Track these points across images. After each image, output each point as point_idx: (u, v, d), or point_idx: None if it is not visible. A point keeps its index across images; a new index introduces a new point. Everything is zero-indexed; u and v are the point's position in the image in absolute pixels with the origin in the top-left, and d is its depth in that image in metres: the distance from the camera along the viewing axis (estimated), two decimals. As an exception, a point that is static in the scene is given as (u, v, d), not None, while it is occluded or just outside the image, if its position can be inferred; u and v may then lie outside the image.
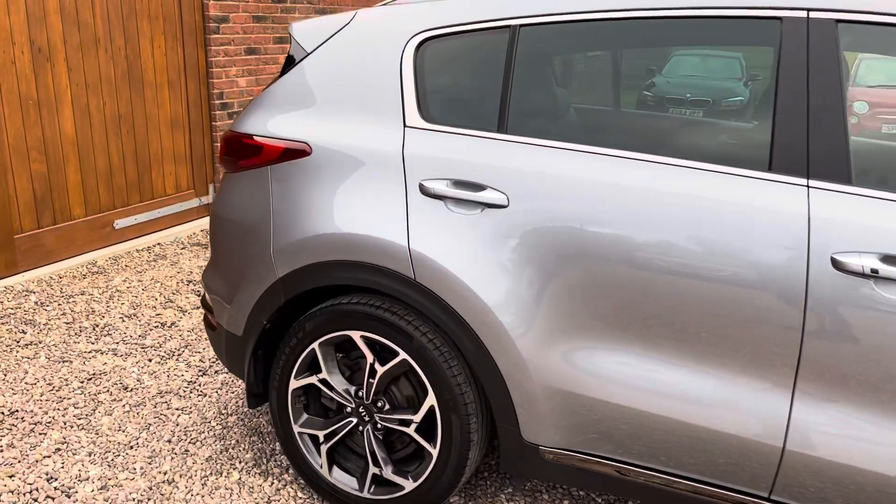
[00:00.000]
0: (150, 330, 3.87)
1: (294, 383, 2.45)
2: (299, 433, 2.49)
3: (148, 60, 5.12)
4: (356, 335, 2.30)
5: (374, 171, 2.25)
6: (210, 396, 3.22)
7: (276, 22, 6.03)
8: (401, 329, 2.22)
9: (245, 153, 2.47)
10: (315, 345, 2.37)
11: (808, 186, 1.81)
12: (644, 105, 2.08)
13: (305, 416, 2.49)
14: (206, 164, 5.72)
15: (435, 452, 2.27)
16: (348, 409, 2.40)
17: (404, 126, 2.25)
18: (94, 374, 3.38)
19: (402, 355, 2.24)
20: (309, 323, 2.35)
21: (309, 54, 2.46)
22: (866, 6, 1.80)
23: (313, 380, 2.42)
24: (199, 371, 3.44)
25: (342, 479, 2.46)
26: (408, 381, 2.35)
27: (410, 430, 2.30)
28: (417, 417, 2.27)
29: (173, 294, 4.37)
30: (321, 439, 2.46)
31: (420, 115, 2.24)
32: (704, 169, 1.91)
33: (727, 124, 1.95)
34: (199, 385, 3.31)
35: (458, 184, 2.13)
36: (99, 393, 3.21)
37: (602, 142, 2.04)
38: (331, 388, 2.41)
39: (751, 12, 1.91)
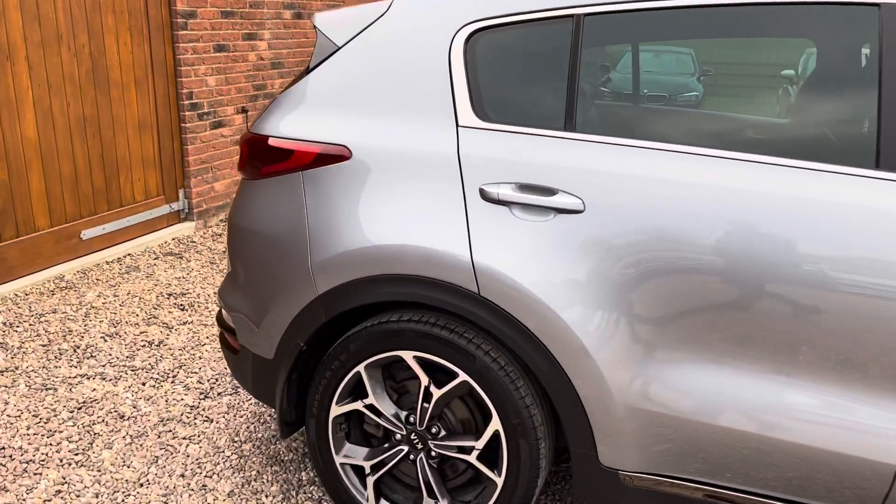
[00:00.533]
0: (137, 350, 3.57)
1: (336, 410, 2.22)
2: (341, 464, 2.27)
3: (113, 58, 4.77)
4: (408, 356, 2.10)
5: (426, 175, 2.05)
6: (217, 422, 2.95)
7: (244, 17, 5.73)
8: (461, 348, 2.02)
9: (271, 158, 2.24)
10: (361, 367, 2.16)
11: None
12: (729, 96, 1.94)
13: (347, 444, 2.28)
14: (176, 169, 5.39)
15: (500, 481, 2.08)
16: (398, 437, 2.19)
17: (457, 126, 2.05)
18: (83, 401, 3.08)
19: (463, 377, 2.04)
20: (353, 344, 2.14)
21: (340, 48, 2.24)
22: None
23: (358, 406, 2.20)
24: (201, 394, 3.17)
25: (392, 514, 2.25)
26: (464, 404, 2.15)
27: (472, 458, 2.10)
28: (480, 444, 2.08)
29: (155, 309, 4.07)
30: (367, 470, 2.24)
31: (475, 114, 2.05)
32: (810, 168, 1.77)
33: (827, 118, 1.81)
34: (204, 409, 3.05)
35: (525, 188, 1.95)
36: (93, 423, 2.92)
37: (687, 140, 1.88)
38: (378, 413, 2.20)
39: (848, -1, 1.77)
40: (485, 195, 1.98)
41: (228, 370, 3.38)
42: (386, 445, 2.22)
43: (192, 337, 3.72)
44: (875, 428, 1.75)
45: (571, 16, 2.01)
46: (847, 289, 1.70)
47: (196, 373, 3.36)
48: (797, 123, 1.90)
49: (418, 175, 2.06)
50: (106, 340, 3.66)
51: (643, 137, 1.91)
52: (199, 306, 4.12)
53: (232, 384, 3.25)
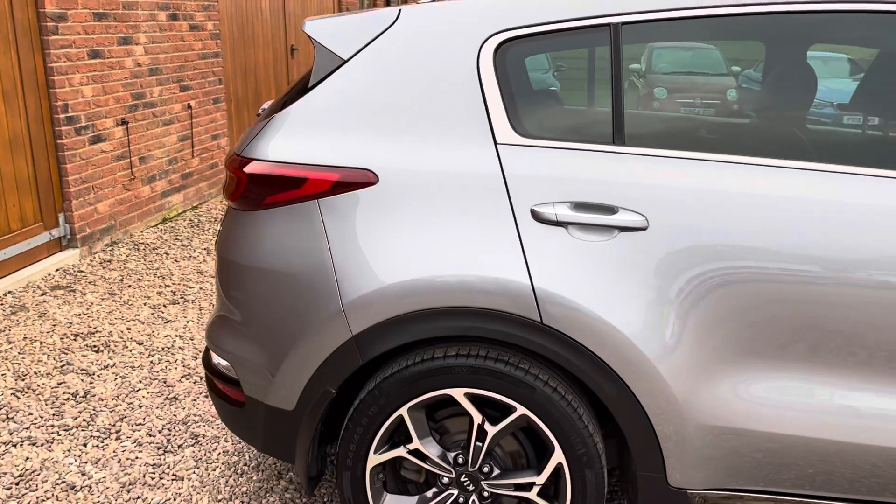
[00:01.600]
0: (62, 405, 3.12)
1: (375, 459, 2.03)
2: (385, 520, 2.08)
3: (-22, 69, 4.16)
4: (459, 394, 1.94)
5: (468, 198, 1.90)
6: (190, 480, 2.63)
7: (118, 20, 5.20)
8: (519, 380, 1.90)
9: (277, 186, 2.00)
10: (403, 410, 1.97)
11: None
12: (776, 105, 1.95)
13: (387, 495, 2.08)
14: (55, 191, 4.80)
15: (563, 515, 1.98)
16: (444, 480, 2.03)
17: (495, 143, 1.92)
18: (20, 475, 2.64)
19: (521, 410, 1.92)
20: (394, 385, 1.95)
21: (347, 62, 2.04)
22: None
23: (401, 452, 2.02)
24: (157, 448, 2.82)
25: (442, 567, 2.08)
26: (513, 439, 2.03)
27: (532, 495, 1.99)
28: (542, 479, 1.97)
29: (64, 354, 3.59)
30: (413, 520, 2.07)
31: (513, 130, 1.93)
32: (865, 174, 1.80)
33: (872, 123, 1.85)
34: (168, 467, 2.71)
35: (582, 206, 1.85)
36: (42, 501, 2.51)
37: (741, 149, 1.86)
38: (423, 458, 2.02)
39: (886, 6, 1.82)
40: (538, 216, 1.86)
41: (180, 418, 3.03)
42: (434, 491, 2.05)
43: (122, 383, 3.31)
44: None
45: (608, 24, 1.93)
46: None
47: (142, 424, 2.98)
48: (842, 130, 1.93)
49: (459, 198, 1.90)
50: (19, 397, 3.18)
51: (695, 148, 1.87)
52: (116, 346, 3.68)
53: (189, 433, 2.92)
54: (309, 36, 2.12)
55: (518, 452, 2.04)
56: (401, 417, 1.99)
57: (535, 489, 1.98)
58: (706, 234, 1.81)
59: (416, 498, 2.08)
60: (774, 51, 2.04)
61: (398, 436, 2.05)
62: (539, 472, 1.97)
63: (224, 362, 2.20)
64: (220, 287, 2.18)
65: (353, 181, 1.96)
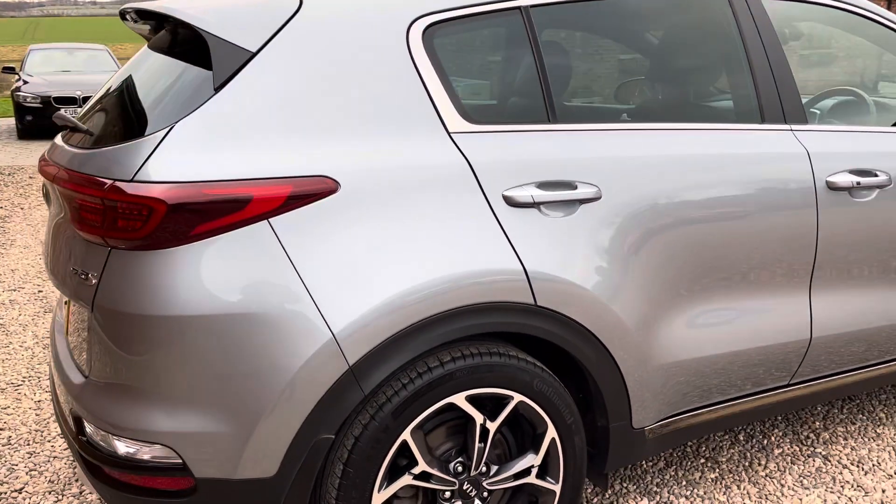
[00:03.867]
0: None
1: (379, 499, 1.80)
2: (390, 559, 1.86)
3: None
4: (460, 398, 1.85)
5: (439, 192, 1.81)
6: None
7: None
8: (515, 368, 1.89)
9: (212, 211, 1.64)
10: (406, 434, 1.80)
11: (795, 131, 2.27)
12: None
13: (390, 533, 1.87)
14: None
15: (558, 488, 2.03)
16: (447, 495, 1.91)
17: (448, 133, 1.85)
18: None
19: (518, 398, 1.91)
20: (393, 411, 1.76)
21: (256, 54, 1.74)
22: None
23: (406, 480, 1.84)
24: None
25: (453, 585, 1.95)
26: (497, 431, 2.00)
27: (532, 478, 1.98)
28: (539, 459, 1.98)
29: None
30: (423, 550, 1.90)
31: (461, 117, 1.87)
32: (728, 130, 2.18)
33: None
34: None
35: (546, 185, 1.90)
36: None
37: (657, 117, 2.10)
38: (428, 478, 1.87)
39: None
40: (511, 201, 1.86)
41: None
42: (439, 511, 1.91)
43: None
44: (791, 316, 2.32)
45: (518, 7, 1.99)
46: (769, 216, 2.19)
47: None
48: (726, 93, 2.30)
49: (430, 194, 1.80)
50: None
51: (622, 119, 2.05)
52: None
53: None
54: (192, 25, 1.74)
55: (501, 442, 2.01)
56: (403, 442, 1.80)
57: (534, 471, 1.98)
58: (646, 195, 2.01)
59: (422, 526, 1.91)
60: (663, 31, 2.31)
61: (400, 464, 1.85)
62: (536, 452, 1.98)
63: (151, 450, 1.71)
64: (129, 353, 1.68)
65: (310, 192, 1.69)
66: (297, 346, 1.66)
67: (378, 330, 1.71)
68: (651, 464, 2.67)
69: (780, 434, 2.85)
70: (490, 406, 1.92)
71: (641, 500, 2.47)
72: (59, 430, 2.95)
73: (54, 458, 2.78)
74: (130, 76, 2.14)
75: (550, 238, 1.89)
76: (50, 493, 2.57)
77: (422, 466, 1.84)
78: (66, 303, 2.18)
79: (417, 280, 1.74)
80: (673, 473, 2.61)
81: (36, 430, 2.96)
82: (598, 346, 1.97)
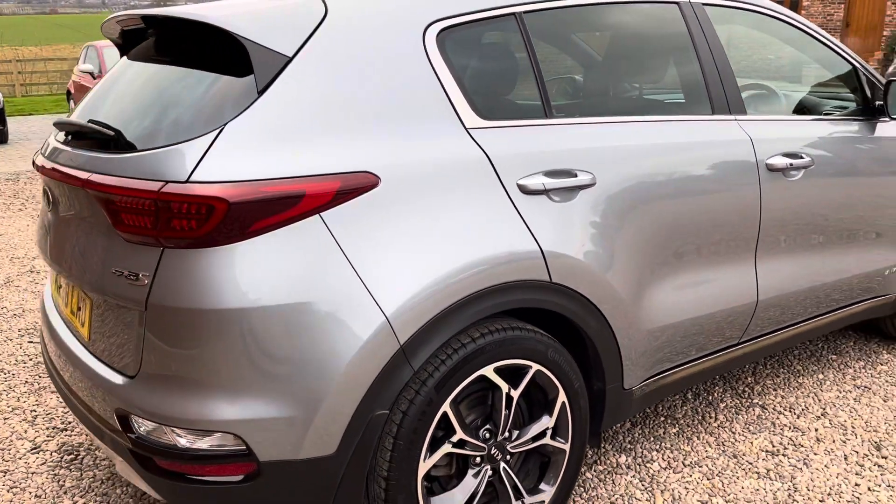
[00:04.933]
0: None
1: (424, 467, 1.96)
2: (435, 523, 2.02)
3: None
4: (489, 370, 2.03)
5: (464, 183, 1.99)
6: None
7: None
8: (534, 340, 2.10)
9: (268, 208, 1.74)
10: (446, 405, 1.97)
11: (739, 120, 2.61)
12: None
13: (432, 499, 2.02)
14: None
15: (568, 447, 2.25)
16: (477, 460, 2.09)
17: (465, 128, 2.03)
18: None
19: (535, 367, 2.12)
20: (436, 385, 1.92)
21: (292, 59, 1.86)
22: None
23: (447, 448, 2.00)
24: None
25: (483, 542, 2.13)
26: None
27: (547, 439, 2.20)
28: (552, 421, 2.20)
29: None
30: (462, 511, 2.06)
31: (476, 114, 2.06)
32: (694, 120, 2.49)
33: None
34: None
35: (552, 174, 2.12)
36: None
37: (635, 112, 2.36)
38: (463, 445, 2.04)
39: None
40: (524, 189, 2.06)
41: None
42: (472, 473, 2.08)
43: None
44: (742, 282, 2.66)
45: (513, 14, 2.19)
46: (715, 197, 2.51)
47: None
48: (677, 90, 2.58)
49: (457, 185, 1.97)
50: None
51: (609, 114, 2.30)
52: None
53: None
54: (228, 31, 1.82)
55: (518, 412, 2.21)
56: (443, 414, 1.96)
57: (549, 432, 2.19)
58: (631, 179, 2.26)
59: (456, 490, 2.07)
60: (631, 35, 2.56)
61: (440, 434, 2.01)
62: (550, 415, 2.19)
63: (212, 439, 1.78)
64: (190, 347, 1.75)
65: (356, 186, 1.83)
66: (354, 330, 1.79)
67: (424, 311, 1.86)
68: (619, 425, 2.95)
69: (721, 391, 3.22)
70: (510, 377, 2.11)
71: (619, 456, 2.74)
72: (30, 446, 2.88)
73: (32, 473, 2.71)
74: (134, 83, 2.17)
75: (558, 221, 2.10)
76: (41, 506, 2.53)
77: (459, 435, 2.01)
78: (75, 312, 2.17)
79: (455, 264, 1.90)
80: (640, 432, 2.90)
81: (2, 449, 2.87)
82: (599, 316, 2.21)
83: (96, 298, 1.99)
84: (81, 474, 2.71)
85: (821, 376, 3.35)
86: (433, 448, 1.99)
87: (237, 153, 1.75)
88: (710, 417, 3.00)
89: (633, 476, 2.62)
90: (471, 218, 1.96)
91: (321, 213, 1.79)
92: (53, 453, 2.85)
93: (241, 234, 1.73)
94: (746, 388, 3.24)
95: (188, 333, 1.75)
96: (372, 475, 1.93)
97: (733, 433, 2.88)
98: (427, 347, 1.89)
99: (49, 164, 2.10)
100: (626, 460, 2.71)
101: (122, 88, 2.19)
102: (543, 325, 2.21)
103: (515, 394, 2.10)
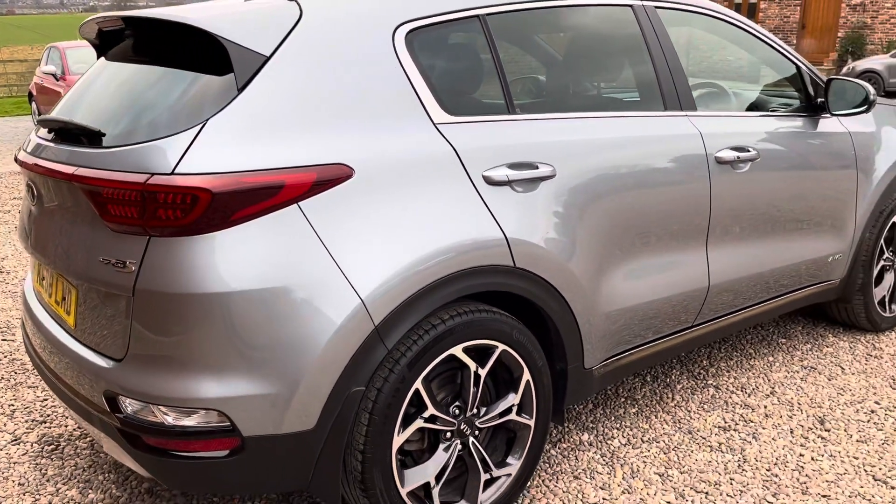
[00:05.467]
0: None
1: (398, 441, 2.09)
2: (408, 494, 2.14)
3: None
4: (458, 350, 2.17)
5: (433, 175, 2.12)
6: None
7: None
8: (500, 322, 2.24)
9: (249, 198, 1.86)
10: (418, 383, 2.10)
11: (689, 116, 2.78)
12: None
13: (405, 472, 2.15)
14: None
15: (533, 422, 2.39)
16: (448, 435, 2.22)
17: (433, 123, 2.16)
18: None
19: (501, 347, 2.26)
20: (408, 364, 2.06)
21: (270, 58, 1.98)
22: None
23: (419, 423, 2.13)
24: None
25: (455, 512, 2.27)
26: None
27: (513, 415, 2.34)
28: (518, 398, 2.34)
29: None
30: (432, 484, 2.19)
31: (443, 110, 2.19)
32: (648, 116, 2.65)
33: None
34: None
35: (515, 166, 2.26)
36: None
37: (591, 108, 2.52)
38: (435, 420, 2.17)
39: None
40: (489, 180, 2.20)
41: None
42: (444, 447, 2.21)
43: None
44: (695, 268, 2.83)
45: (476, 16, 2.33)
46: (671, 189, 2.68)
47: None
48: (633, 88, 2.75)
49: (425, 176, 2.10)
50: None
51: (569, 110, 2.45)
52: None
53: None
54: (211, 34, 1.94)
55: (486, 390, 2.34)
56: (415, 391, 2.09)
57: (515, 408, 2.34)
58: (588, 172, 2.42)
59: (428, 462, 2.20)
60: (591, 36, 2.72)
61: (413, 410, 2.14)
62: (516, 393, 2.33)
63: (199, 416, 1.89)
64: (176, 330, 1.86)
65: (332, 177, 1.95)
66: (331, 312, 1.91)
67: (397, 294, 1.99)
68: (582, 406, 3.11)
69: (678, 373, 3.39)
70: (478, 356, 2.24)
71: (582, 434, 2.90)
72: (10, 438, 2.95)
73: (14, 463, 2.79)
74: (114, 82, 2.27)
75: (521, 211, 2.25)
76: (24, 493, 2.61)
77: (431, 410, 2.14)
78: (59, 302, 2.26)
79: (425, 249, 2.03)
80: (602, 412, 3.06)
81: (-16, 440, 2.93)
82: (560, 299, 2.36)
83: (82, 287, 2.09)
84: (63, 463, 2.79)
85: (771, 358, 3.55)
86: (406, 423, 2.11)
87: (219, 146, 1.86)
88: (668, 398, 3.17)
89: (595, 452, 2.78)
90: (440, 207, 2.10)
91: (299, 203, 1.91)
92: (34, 444, 2.92)
93: (224, 223, 1.84)
94: (702, 371, 3.42)
95: (174, 317, 1.86)
96: (349, 450, 2.05)
97: (689, 412, 3.05)
98: (400, 328, 2.02)
99: (34, 160, 2.19)
100: (588, 438, 2.87)
101: (103, 87, 2.29)
102: (508, 308, 2.35)
103: (483, 372, 2.23)
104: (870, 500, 2.48)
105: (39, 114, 13.44)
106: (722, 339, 3.76)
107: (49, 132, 2.27)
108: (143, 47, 2.29)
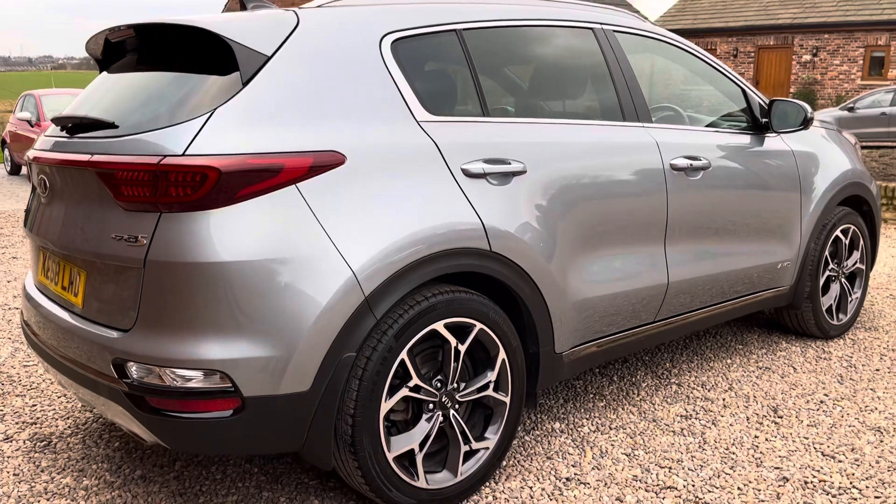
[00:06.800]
0: None
1: (385, 407, 2.26)
2: (394, 459, 2.30)
3: None
4: (440, 326, 2.36)
5: (417, 165, 2.35)
6: None
7: None
8: (478, 302, 2.44)
9: (252, 178, 2.07)
10: (403, 353, 2.28)
11: (646, 127, 3.06)
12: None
13: (392, 439, 2.32)
14: None
15: (508, 399, 2.58)
16: (430, 406, 2.40)
17: (416, 121, 2.40)
18: None
19: (479, 326, 2.46)
20: (395, 335, 2.25)
21: (271, 58, 2.21)
22: None
23: (404, 392, 2.31)
24: None
25: (437, 480, 2.42)
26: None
27: (490, 391, 2.52)
28: (494, 375, 2.53)
29: None
30: (416, 450, 2.36)
31: (425, 110, 2.44)
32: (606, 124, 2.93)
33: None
34: None
35: (490, 161, 2.50)
36: None
37: (563, 115, 2.78)
38: (418, 390, 2.35)
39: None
40: (467, 172, 2.43)
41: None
42: (426, 417, 2.38)
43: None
44: (654, 266, 3.08)
45: (454, 30, 2.61)
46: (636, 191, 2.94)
47: None
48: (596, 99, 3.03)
49: (410, 166, 2.34)
50: None
51: (537, 115, 2.72)
52: None
53: None
54: (220, 36, 2.17)
55: (465, 368, 2.53)
56: (401, 361, 2.28)
57: (492, 385, 2.52)
58: (557, 170, 2.67)
59: (413, 431, 2.37)
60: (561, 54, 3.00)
61: (398, 380, 2.31)
62: (492, 370, 2.52)
63: (204, 378, 2.05)
64: (184, 296, 2.03)
65: (326, 162, 2.17)
66: (326, 282, 2.11)
67: (385, 268, 2.19)
68: (553, 400, 3.30)
69: (643, 373, 3.61)
70: (458, 334, 2.44)
71: (554, 423, 3.08)
72: (2, 437, 3.04)
73: (8, 458, 2.88)
74: (121, 85, 2.48)
75: (496, 201, 2.48)
76: (20, 482, 2.70)
77: (415, 380, 2.33)
78: (66, 287, 2.42)
79: (410, 229, 2.25)
80: (572, 405, 3.25)
81: (-23, 438, 3.02)
82: (532, 284, 2.57)
83: (92, 267, 2.26)
84: (56, 456, 2.89)
85: (728, 361, 3.78)
86: (392, 393, 2.29)
87: (226, 132, 2.07)
88: (634, 393, 3.37)
89: (566, 438, 2.96)
90: (423, 193, 2.32)
91: (297, 184, 2.12)
92: (27, 441, 3.02)
93: (230, 200, 2.04)
94: (665, 371, 3.63)
95: (182, 285, 2.04)
96: (340, 415, 2.21)
97: (653, 404, 3.26)
98: (388, 300, 2.22)
99: (49, 154, 2.37)
100: (560, 426, 3.06)
101: (112, 89, 2.50)
102: (485, 293, 2.55)
103: (462, 348, 2.43)
104: (818, 471, 2.70)
105: (13, 161, 13.51)
106: (683, 343, 4.00)
107: (62, 130, 2.47)
108: (151, 53, 2.51)
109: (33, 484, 2.69)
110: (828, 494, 2.54)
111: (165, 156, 2.04)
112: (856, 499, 2.52)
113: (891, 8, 21.24)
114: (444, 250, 2.32)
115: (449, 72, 2.63)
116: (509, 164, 2.53)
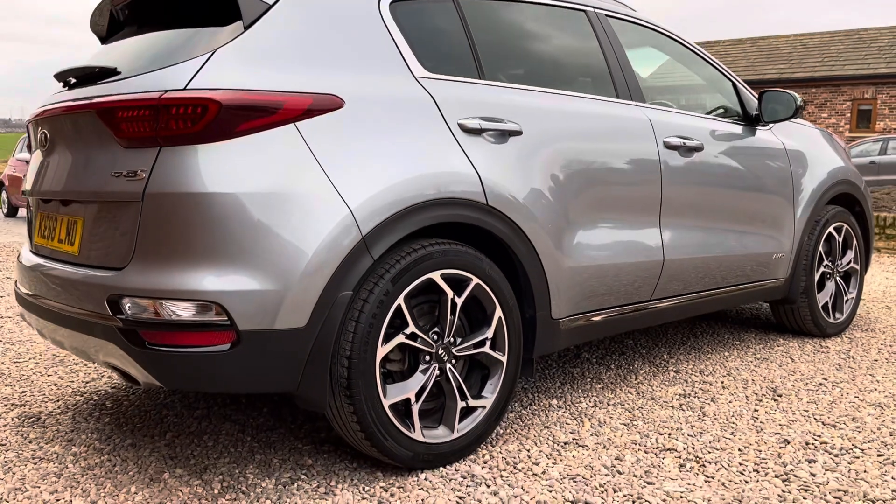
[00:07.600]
0: None
1: (382, 352, 2.24)
2: (390, 407, 2.27)
3: None
4: (437, 276, 2.36)
5: (414, 117, 2.39)
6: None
7: None
8: (474, 256, 2.45)
9: (252, 113, 2.10)
10: (401, 299, 2.28)
11: (639, 106, 3.12)
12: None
13: (388, 387, 2.29)
14: None
15: (505, 358, 2.56)
16: (427, 358, 2.38)
17: (413, 76, 2.45)
18: None
19: (475, 280, 2.46)
20: (392, 280, 2.24)
21: (273, 6, 2.27)
22: None
23: (400, 338, 2.29)
24: None
25: (434, 435, 2.38)
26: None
27: (486, 348, 2.50)
28: (491, 332, 2.51)
29: None
30: (413, 400, 2.32)
31: (422, 67, 2.49)
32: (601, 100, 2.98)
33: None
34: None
35: (485, 119, 2.54)
36: None
37: (558, 86, 2.85)
38: (415, 338, 2.33)
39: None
40: (464, 128, 2.47)
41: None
42: (422, 368, 2.36)
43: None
44: (651, 242, 3.09)
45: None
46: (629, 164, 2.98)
47: None
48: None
49: (407, 115, 2.38)
50: None
51: (531, 83, 2.77)
52: None
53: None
54: (223, -15, 2.23)
55: (461, 326, 2.52)
56: (398, 308, 2.27)
57: (488, 342, 2.50)
58: (554, 135, 2.71)
59: (409, 380, 2.34)
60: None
61: (395, 326, 2.30)
62: (489, 327, 2.50)
63: (200, 311, 2.04)
64: (182, 227, 2.04)
65: (325, 105, 2.21)
66: (324, 217, 2.11)
67: (382, 209, 2.20)
68: (550, 382, 3.26)
69: (640, 363, 3.58)
70: (455, 287, 2.43)
71: (551, 400, 3.05)
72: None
73: (-5, 432, 2.83)
74: (122, 45, 2.54)
75: (493, 158, 2.51)
76: (7, 451, 2.65)
77: (412, 328, 2.31)
78: (63, 240, 2.42)
79: (407, 174, 2.27)
80: (570, 387, 3.22)
81: (-35, 415, 2.97)
82: (528, 243, 2.58)
83: (89, 212, 2.26)
84: (45, 430, 2.84)
85: (726, 353, 3.76)
86: (389, 339, 2.27)
87: (227, 70, 2.11)
88: (631, 378, 3.35)
89: (564, 412, 2.92)
90: (420, 142, 2.35)
91: (296, 123, 2.15)
92: (14, 418, 2.96)
93: (229, 134, 2.07)
94: (662, 361, 3.61)
95: (179, 216, 2.04)
96: (336, 358, 2.19)
97: (651, 386, 3.23)
98: (384, 241, 2.22)
99: (51, 107, 2.41)
100: (558, 402, 3.02)
101: (113, 49, 2.55)
102: (483, 251, 2.56)
103: (459, 301, 2.42)
104: (819, 436, 2.66)
105: (10, 204, 13.56)
106: (680, 338, 3.98)
107: (65, 86, 2.50)
108: (154, 12, 2.57)
109: (20, 451, 2.63)
110: (829, 454, 2.50)
111: (167, 90, 2.07)
112: (858, 457, 2.48)
113: (876, 62, 21.81)
114: (441, 198, 2.34)
115: (446, 35, 2.68)
116: (503, 122, 2.57)
